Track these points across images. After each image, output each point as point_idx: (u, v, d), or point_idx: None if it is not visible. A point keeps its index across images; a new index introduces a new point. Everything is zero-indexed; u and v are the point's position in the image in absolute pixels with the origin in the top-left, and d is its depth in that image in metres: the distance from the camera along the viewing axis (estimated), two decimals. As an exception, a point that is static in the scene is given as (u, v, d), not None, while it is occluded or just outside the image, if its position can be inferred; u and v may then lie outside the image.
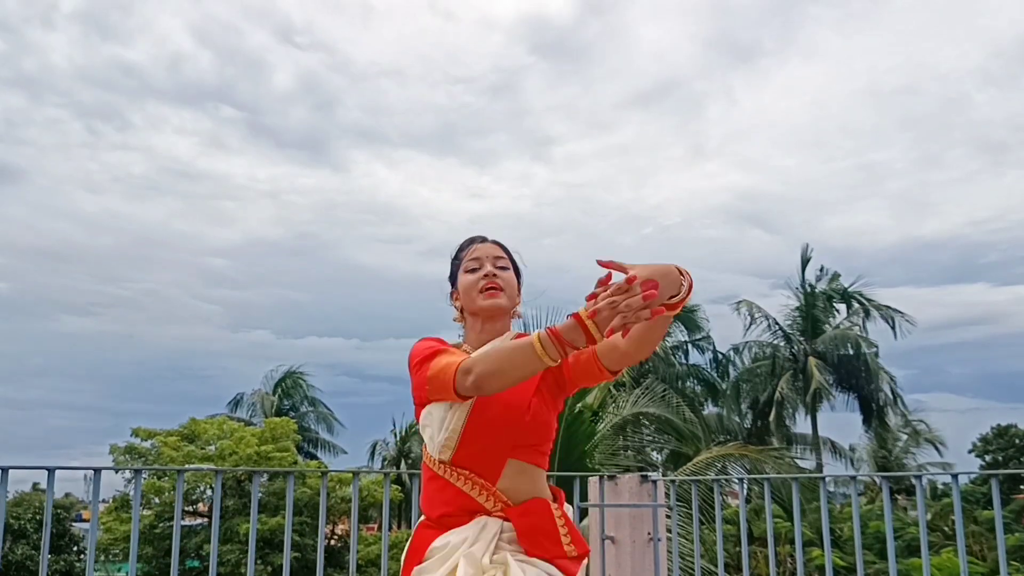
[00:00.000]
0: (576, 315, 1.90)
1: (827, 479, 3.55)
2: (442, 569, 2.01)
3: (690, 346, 27.37)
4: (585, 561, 2.17)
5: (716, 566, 9.25)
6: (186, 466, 18.04)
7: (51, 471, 2.98)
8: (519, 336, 2.21)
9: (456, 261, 2.38)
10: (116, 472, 20.28)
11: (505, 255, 2.35)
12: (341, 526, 21.32)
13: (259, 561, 18.34)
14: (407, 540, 2.25)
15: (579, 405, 9.87)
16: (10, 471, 2.96)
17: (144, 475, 19.17)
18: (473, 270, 2.29)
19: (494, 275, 2.26)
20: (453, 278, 2.38)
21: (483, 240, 2.38)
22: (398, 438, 31.70)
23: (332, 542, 21.13)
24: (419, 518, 2.28)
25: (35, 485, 32.52)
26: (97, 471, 3.12)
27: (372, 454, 33.97)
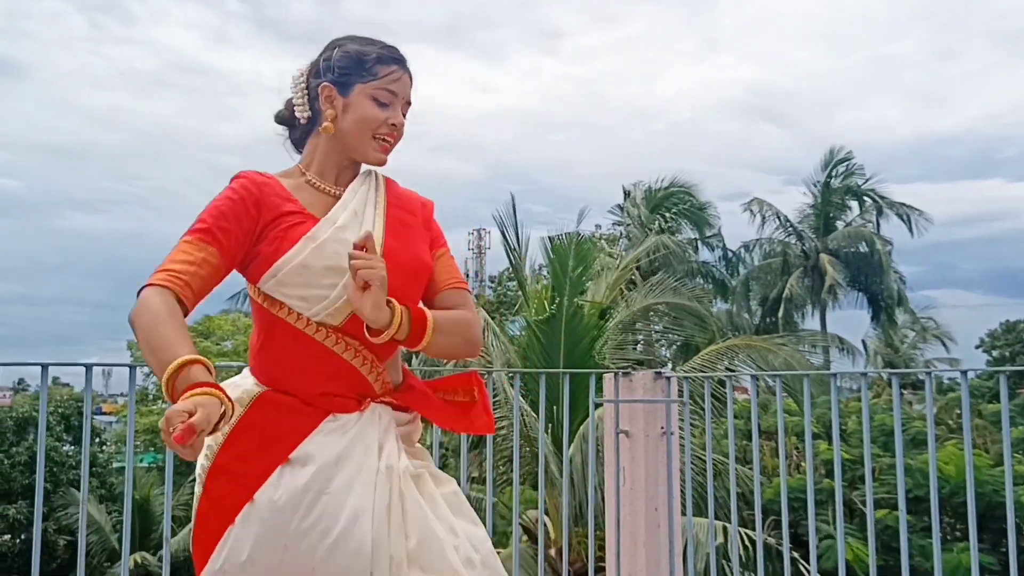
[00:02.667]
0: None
1: (837, 375, 3.62)
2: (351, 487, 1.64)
3: (700, 243, 27.35)
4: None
5: (726, 458, 9.49)
6: (215, 363, 18.36)
7: (88, 368, 3.07)
8: (393, 185, 1.94)
9: (363, 68, 1.83)
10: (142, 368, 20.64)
11: (411, 96, 1.91)
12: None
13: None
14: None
15: (578, 300, 9.96)
16: (49, 367, 3.04)
17: (142, 370, 19.50)
18: (383, 104, 1.83)
19: (399, 127, 1.86)
20: (344, 80, 1.83)
21: (403, 64, 1.87)
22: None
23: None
24: (256, 385, 1.79)
25: (55, 379, 33.21)
26: (132, 367, 3.20)
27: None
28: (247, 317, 24.45)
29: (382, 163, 1.88)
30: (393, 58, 1.85)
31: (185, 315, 1.65)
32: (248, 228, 1.75)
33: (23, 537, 18.77)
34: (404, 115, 1.88)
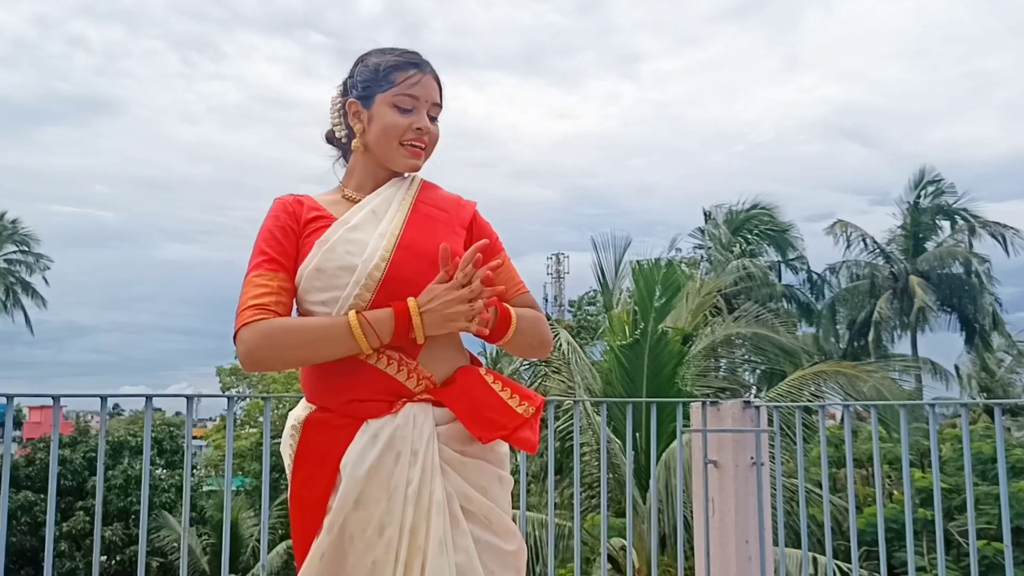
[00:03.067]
0: (399, 306, 1.65)
1: (936, 405, 3.51)
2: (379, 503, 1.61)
3: (783, 266, 26.85)
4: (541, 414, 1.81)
5: (817, 488, 9.27)
6: (270, 395, 18.76)
7: (190, 399, 3.15)
8: (438, 190, 1.90)
9: (382, 79, 1.82)
10: (222, 392, 21.14)
11: (439, 99, 1.86)
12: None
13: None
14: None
15: (662, 327, 9.87)
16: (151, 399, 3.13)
17: (239, 402, 19.99)
18: (406, 111, 1.80)
19: (424, 131, 1.82)
20: (366, 93, 1.83)
21: (427, 70, 1.84)
22: (489, 359, 32.20)
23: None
24: (306, 408, 1.78)
25: (147, 399, 34.16)
26: (231, 399, 3.29)
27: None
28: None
29: (415, 169, 1.85)
30: (410, 63, 1.83)
31: None
32: (295, 242, 1.76)
33: (118, 559, 19.31)
34: (434, 117, 1.86)
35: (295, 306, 1.76)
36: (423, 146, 1.82)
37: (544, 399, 1.85)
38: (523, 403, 1.76)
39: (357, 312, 1.63)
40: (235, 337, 1.67)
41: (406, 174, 1.88)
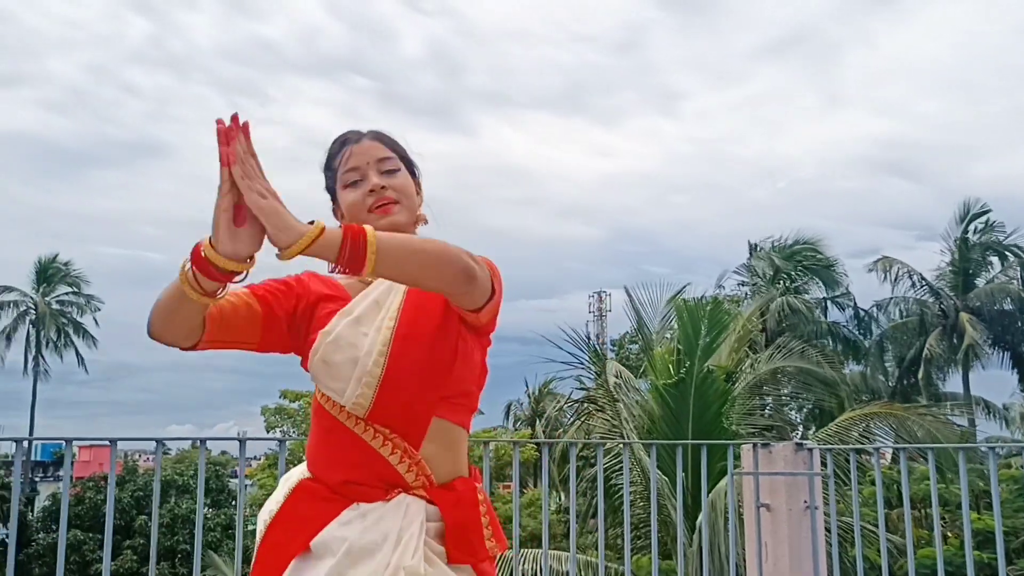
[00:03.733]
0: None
1: (996, 448, 3.43)
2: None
3: (828, 303, 26.52)
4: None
5: (872, 526, 9.06)
6: None
7: (242, 442, 3.19)
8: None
9: (329, 172, 1.88)
10: (267, 432, 21.27)
11: (390, 152, 1.85)
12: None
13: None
14: (487, 499, 1.82)
15: (707, 365, 9.78)
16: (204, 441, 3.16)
17: (288, 443, 20.14)
18: (354, 183, 1.81)
19: (382, 187, 1.79)
20: (332, 192, 1.88)
21: (357, 139, 1.85)
22: (531, 398, 32.08)
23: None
24: (303, 473, 1.77)
25: (194, 444, 34.58)
26: (282, 441, 3.32)
27: (507, 414, 34.51)
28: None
29: (395, 225, 1.76)
30: (341, 143, 1.86)
31: (200, 323, 1.66)
32: (292, 294, 1.78)
33: (164, 597, 19.42)
34: (393, 170, 1.83)
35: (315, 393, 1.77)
36: (388, 201, 1.80)
37: (506, 547, 1.79)
38: (492, 541, 1.74)
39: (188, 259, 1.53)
40: None
41: None
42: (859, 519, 3.73)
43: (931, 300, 26.86)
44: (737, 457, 4.06)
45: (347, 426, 1.69)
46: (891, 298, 27.17)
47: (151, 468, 25.39)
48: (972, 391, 26.14)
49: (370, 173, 1.80)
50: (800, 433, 18.42)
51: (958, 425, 22.22)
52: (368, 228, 1.46)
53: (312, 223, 1.46)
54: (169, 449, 37.70)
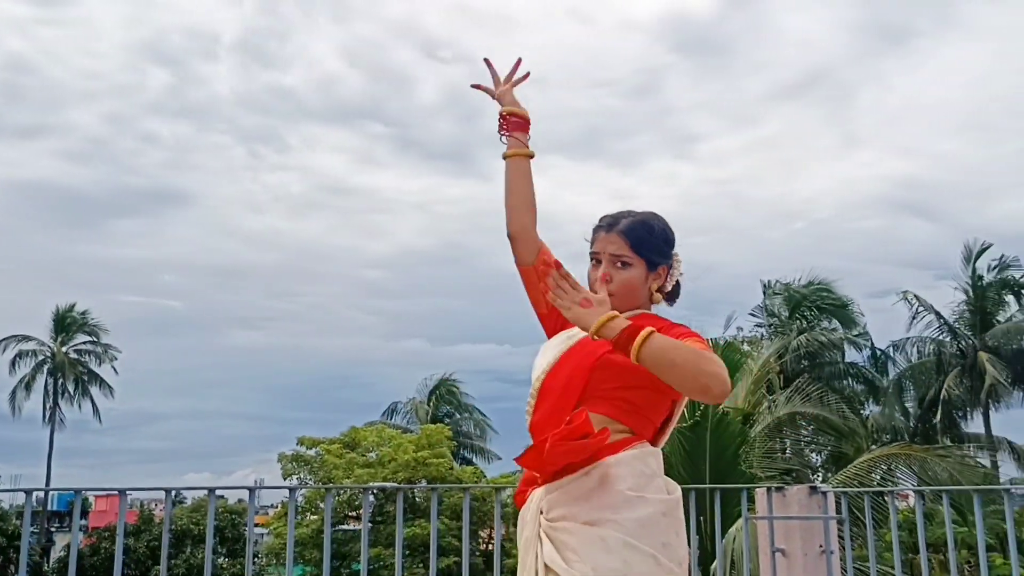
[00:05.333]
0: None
1: (1012, 489, 3.38)
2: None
3: (846, 343, 26.31)
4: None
5: (890, 569, 8.90)
6: (371, 484, 18.76)
7: (252, 491, 3.18)
8: (643, 318, 2.07)
9: (589, 245, 2.27)
10: (283, 480, 21.16)
11: (628, 251, 2.17)
12: (502, 531, 21.62)
13: (420, 564, 18.85)
14: None
15: (723, 407, 9.71)
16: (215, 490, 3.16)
17: (300, 491, 20.08)
18: (595, 263, 2.21)
19: (607, 280, 2.15)
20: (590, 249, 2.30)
21: (609, 228, 2.20)
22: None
23: (490, 547, 21.49)
24: None
25: (210, 491, 34.43)
26: (292, 490, 3.31)
27: (526, 459, 34.24)
28: (391, 429, 24.97)
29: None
30: (597, 226, 2.24)
31: (537, 241, 2.32)
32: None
33: (179, 648, 19.26)
34: (625, 264, 2.16)
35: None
36: (608, 292, 2.10)
37: (603, 434, 1.94)
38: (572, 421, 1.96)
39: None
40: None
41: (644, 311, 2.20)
42: (876, 563, 3.68)
43: (948, 340, 26.62)
44: (752, 501, 4.02)
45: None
46: (907, 338, 26.96)
47: (163, 518, 25.31)
48: (994, 431, 25.80)
49: (604, 263, 2.18)
50: (820, 476, 18.20)
51: (981, 466, 21.92)
52: (645, 331, 1.86)
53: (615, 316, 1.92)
54: (184, 498, 37.62)
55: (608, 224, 2.20)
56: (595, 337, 1.91)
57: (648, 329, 1.86)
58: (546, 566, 1.92)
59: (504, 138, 2.34)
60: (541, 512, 1.98)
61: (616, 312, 1.93)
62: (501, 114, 2.34)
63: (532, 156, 2.34)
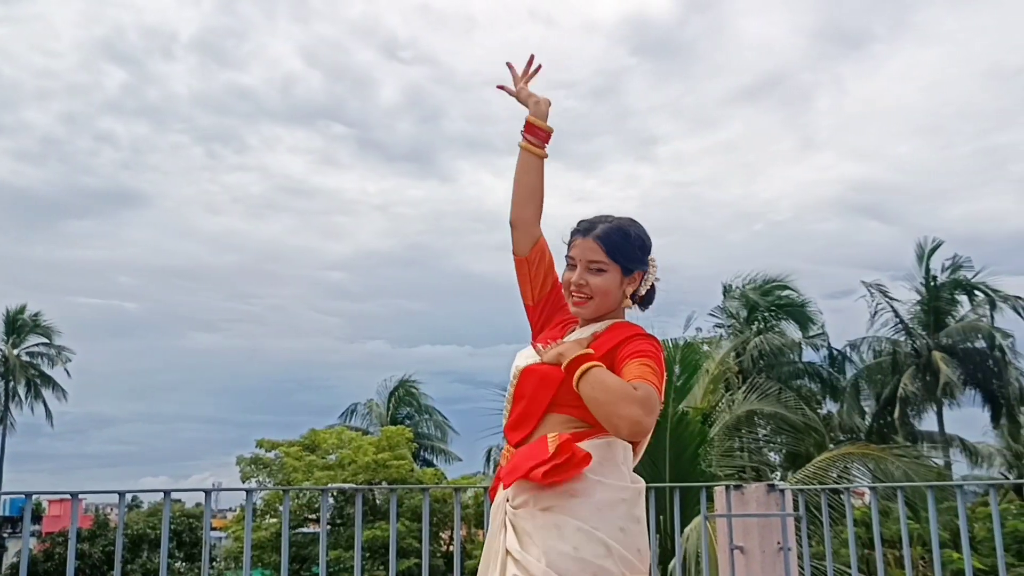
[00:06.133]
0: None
1: (965, 486, 3.44)
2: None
3: (803, 343, 26.62)
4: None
5: (846, 567, 9.01)
6: (330, 485, 18.61)
7: (208, 493, 3.14)
8: (616, 328, 2.22)
9: (567, 248, 2.32)
10: (242, 483, 20.92)
11: (603, 257, 2.22)
12: (462, 532, 21.58)
13: (381, 566, 18.76)
14: None
15: (682, 407, 9.78)
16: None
17: (258, 494, 19.87)
18: (571, 267, 2.26)
19: (583, 284, 2.22)
20: (565, 253, 2.35)
21: (586, 233, 2.25)
22: (510, 444, 31.82)
23: (451, 548, 21.43)
24: None
25: (165, 493, 33.97)
26: (249, 491, 3.27)
27: (487, 460, 34.21)
28: (351, 431, 24.80)
29: (578, 315, 2.28)
30: (574, 230, 2.28)
31: (537, 235, 2.41)
32: (552, 307, 2.41)
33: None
34: (596, 270, 2.21)
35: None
36: (583, 295, 2.22)
37: (584, 454, 2.03)
38: (558, 451, 2.03)
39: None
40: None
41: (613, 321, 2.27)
42: (832, 560, 3.72)
43: (903, 339, 27.05)
44: (711, 499, 4.05)
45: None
46: (864, 337, 27.35)
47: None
48: (947, 430, 26.26)
49: (579, 268, 2.22)
50: (779, 475, 18.40)
51: (935, 464, 22.30)
52: (586, 366, 1.98)
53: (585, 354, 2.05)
54: (141, 503, 37.12)
55: (585, 229, 2.25)
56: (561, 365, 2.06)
57: (588, 364, 1.99)
58: (507, 551, 2.01)
59: (522, 140, 2.46)
60: (507, 500, 2.08)
61: (580, 346, 2.08)
62: (527, 120, 2.47)
63: (544, 156, 2.45)
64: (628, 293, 2.26)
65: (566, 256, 2.28)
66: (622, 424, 1.92)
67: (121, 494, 3.00)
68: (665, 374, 2.11)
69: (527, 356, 2.26)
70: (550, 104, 2.49)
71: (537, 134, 2.45)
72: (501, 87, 2.53)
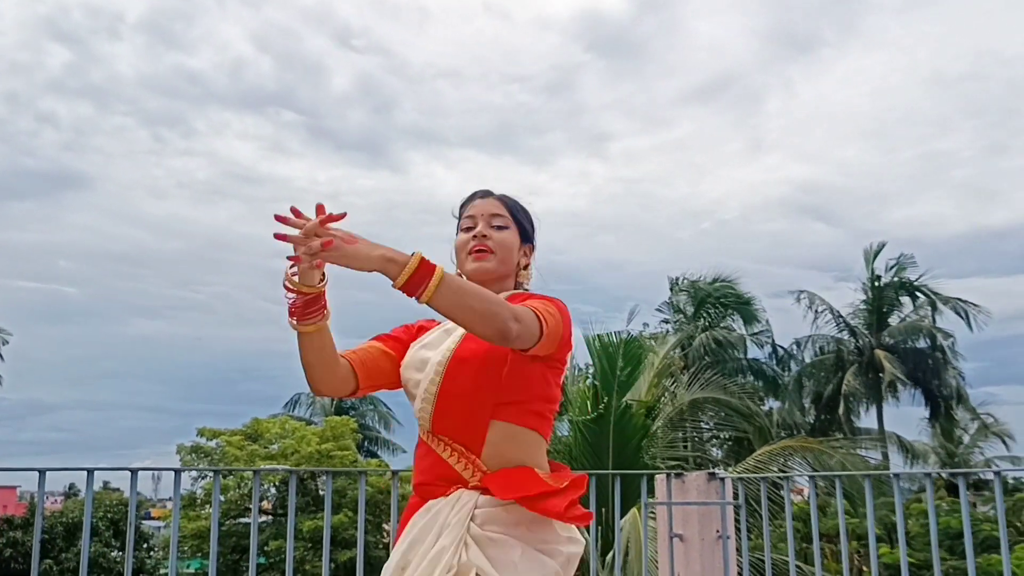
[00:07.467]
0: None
1: (899, 475, 3.47)
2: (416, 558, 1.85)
3: (748, 340, 26.96)
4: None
5: (784, 562, 9.13)
6: (261, 467, 18.37)
7: (134, 472, 3.06)
8: (514, 297, 2.01)
9: (456, 218, 2.20)
10: (188, 472, 20.59)
11: (506, 213, 2.14)
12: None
13: (320, 557, 18.62)
14: None
15: (626, 400, 9.82)
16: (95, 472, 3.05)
17: (198, 482, 19.56)
18: (467, 228, 2.12)
19: (484, 236, 2.08)
20: (456, 233, 2.20)
21: (484, 195, 2.18)
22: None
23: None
24: None
25: (105, 484, 33.37)
26: (178, 472, 3.20)
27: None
28: (295, 421, 24.53)
29: (483, 270, 2.07)
30: (471, 196, 2.18)
31: (350, 372, 2.04)
32: (411, 334, 2.14)
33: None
34: (502, 227, 2.11)
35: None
36: (485, 249, 2.07)
37: (585, 478, 1.98)
38: (557, 480, 1.91)
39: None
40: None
41: (498, 289, 2.06)
42: (770, 550, 3.74)
43: (847, 338, 27.54)
44: (652, 488, 4.04)
45: (423, 438, 2.00)
46: (809, 336, 27.79)
47: (57, 510, 24.37)
48: (887, 427, 26.80)
49: (480, 222, 2.10)
50: (721, 469, 18.59)
51: (872, 459, 22.74)
52: (440, 267, 1.70)
53: (413, 254, 1.71)
54: (79, 490, 36.36)
55: (483, 192, 2.19)
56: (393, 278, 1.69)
57: (441, 269, 1.70)
58: (476, 573, 1.79)
59: (296, 321, 1.94)
60: (471, 516, 1.86)
61: (411, 255, 1.70)
62: (288, 287, 1.89)
63: (328, 319, 1.97)
64: (522, 265, 2.17)
65: (462, 219, 2.15)
66: (500, 325, 1.74)
67: (90, 471, 2.97)
68: (566, 327, 1.96)
69: (441, 347, 2.01)
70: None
71: (312, 304, 1.91)
72: (281, 237, 1.78)
